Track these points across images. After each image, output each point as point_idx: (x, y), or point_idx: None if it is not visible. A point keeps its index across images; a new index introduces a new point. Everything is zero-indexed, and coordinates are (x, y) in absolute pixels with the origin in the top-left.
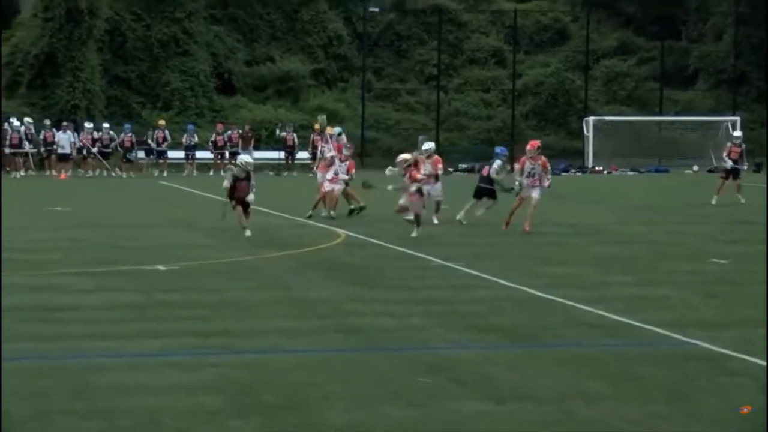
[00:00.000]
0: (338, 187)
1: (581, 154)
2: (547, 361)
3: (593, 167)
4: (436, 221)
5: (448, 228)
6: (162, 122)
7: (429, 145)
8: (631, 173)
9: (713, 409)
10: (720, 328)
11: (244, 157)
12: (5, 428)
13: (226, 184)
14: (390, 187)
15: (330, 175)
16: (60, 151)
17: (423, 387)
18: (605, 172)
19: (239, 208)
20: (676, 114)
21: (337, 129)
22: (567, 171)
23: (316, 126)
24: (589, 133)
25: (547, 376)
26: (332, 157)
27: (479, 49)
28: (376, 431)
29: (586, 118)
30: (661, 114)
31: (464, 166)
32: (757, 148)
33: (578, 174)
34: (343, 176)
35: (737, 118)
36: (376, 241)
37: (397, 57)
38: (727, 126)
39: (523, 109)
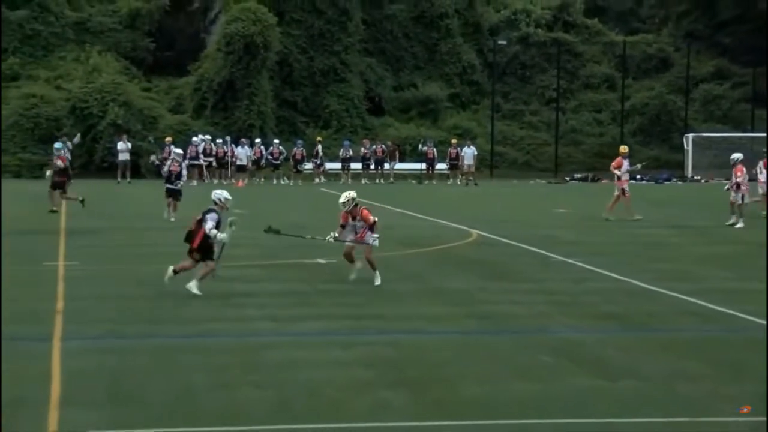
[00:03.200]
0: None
1: (681, 165)
2: (653, 345)
3: (692, 177)
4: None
5: (562, 230)
6: (319, 138)
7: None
8: (726, 182)
9: None
10: None
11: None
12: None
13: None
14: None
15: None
16: (238, 162)
17: (544, 366)
18: (703, 181)
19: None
20: (766, 131)
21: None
22: (669, 180)
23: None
24: (688, 147)
25: (653, 357)
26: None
27: (593, 75)
28: (503, 403)
29: (686, 135)
30: (752, 131)
31: (578, 176)
32: None
33: (679, 183)
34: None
35: None
36: (503, 240)
37: (522, 83)
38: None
39: (630, 127)
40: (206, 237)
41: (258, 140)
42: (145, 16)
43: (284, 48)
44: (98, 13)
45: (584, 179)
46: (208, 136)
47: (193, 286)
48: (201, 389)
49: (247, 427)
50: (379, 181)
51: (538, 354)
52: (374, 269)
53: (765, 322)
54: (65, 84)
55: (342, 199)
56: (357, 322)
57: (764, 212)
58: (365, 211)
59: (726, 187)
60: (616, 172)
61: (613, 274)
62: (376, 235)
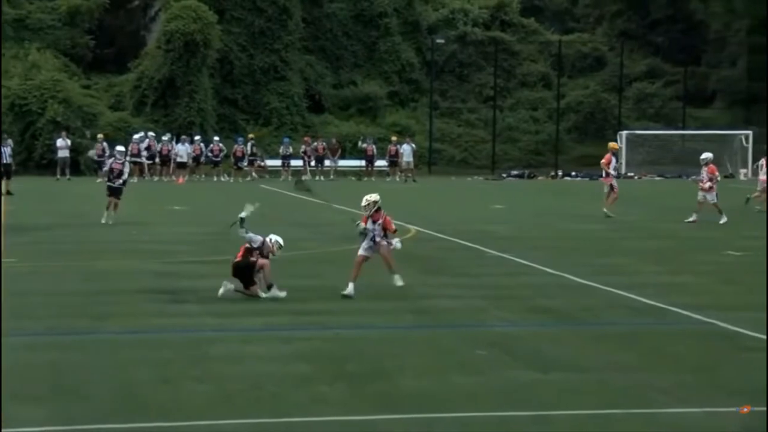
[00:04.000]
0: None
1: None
2: (587, 338)
3: (626, 173)
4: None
5: (499, 226)
6: (251, 136)
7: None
8: (658, 178)
9: (732, 380)
10: (737, 310)
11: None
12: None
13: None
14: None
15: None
16: (179, 159)
17: (481, 359)
18: (636, 177)
19: None
20: (697, 129)
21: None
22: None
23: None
24: (622, 144)
25: (587, 350)
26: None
27: (529, 73)
28: (441, 396)
29: (619, 132)
30: (684, 128)
31: (515, 172)
32: None
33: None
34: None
35: (749, 132)
36: (441, 236)
37: (460, 81)
38: (741, 139)
39: (566, 124)
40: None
41: (198, 137)
42: (84, 14)
43: (225, 46)
44: (37, 10)
45: (521, 176)
46: (151, 134)
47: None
48: (143, 384)
49: (188, 422)
50: (319, 177)
51: (475, 347)
52: (392, 271)
53: (698, 316)
54: (4, 81)
55: (363, 203)
56: (298, 318)
57: (761, 207)
58: (388, 219)
59: (701, 185)
60: (608, 170)
61: (548, 269)
62: (397, 239)
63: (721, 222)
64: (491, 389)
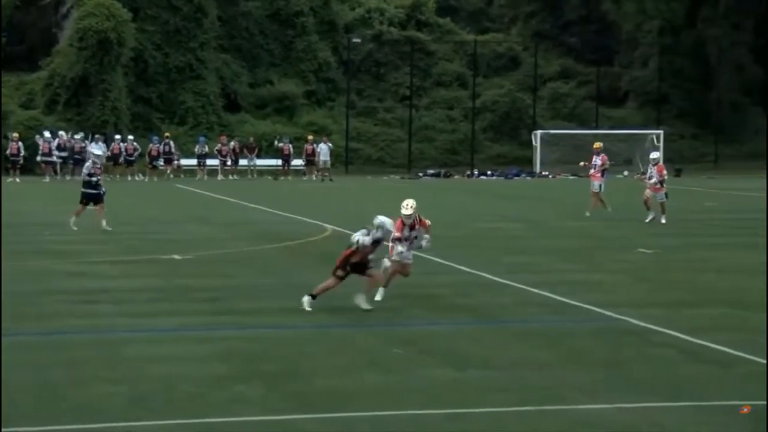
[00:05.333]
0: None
1: (530, 161)
2: (503, 335)
3: (540, 172)
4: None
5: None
6: (167, 134)
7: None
8: (572, 177)
9: (643, 374)
10: (647, 307)
11: None
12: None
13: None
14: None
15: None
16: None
17: (398, 357)
18: (550, 176)
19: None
20: (610, 128)
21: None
22: (518, 175)
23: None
24: (537, 144)
25: (503, 347)
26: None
27: (445, 73)
28: (357, 395)
29: (534, 132)
30: (597, 128)
31: (431, 171)
32: (677, 157)
33: (528, 178)
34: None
35: (660, 132)
36: None
37: (376, 80)
38: (652, 138)
39: (481, 123)
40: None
41: (118, 137)
42: None
43: (139, 44)
44: None
45: (437, 175)
46: (62, 132)
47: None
48: (58, 386)
49: (103, 424)
50: (233, 177)
51: (391, 346)
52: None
53: (610, 313)
54: None
55: (408, 211)
56: (213, 318)
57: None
58: (425, 220)
59: (650, 183)
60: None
61: (464, 268)
62: (427, 236)
63: (650, 219)
64: (408, 388)
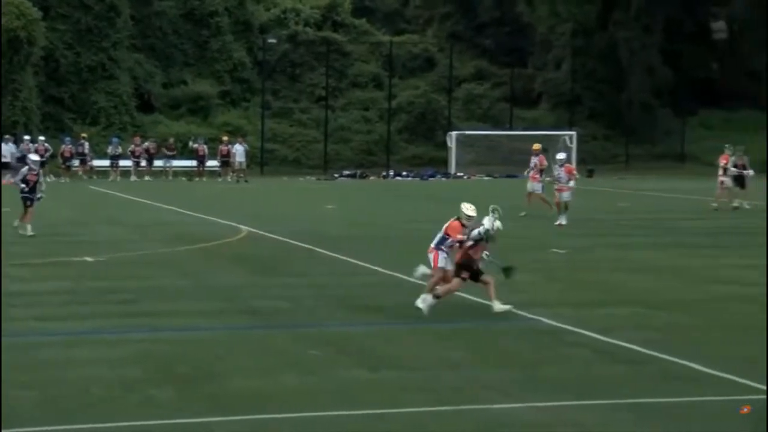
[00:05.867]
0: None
1: (445, 162)
2: (419, 336)
3: (456, 173)
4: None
5: (331, 226)
6: (84, 135)
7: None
8: (487, 178)
9: (557, 374)
10: (560, 307)
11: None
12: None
13: None
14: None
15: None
16: (3, 160)
17: (315, 359)
18: (466, 177)
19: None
20: (524, 129)
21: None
22: (434, 176)
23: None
24: (452, 145)
25: (419, 348)
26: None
27: (361, 74)
28: (274, 397)
29: (449, 133)
30: (511, 129)
31: (347, 172)
32: (590, 158)
33: (443, 179)
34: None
35: (573, 133)
36: (273, 236)
37: (292, 81)
38: (565, 139)
39: (397, 124)
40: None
41: (27, 137)
42: None
43: (50, 43)
44: None
45: (353, 176)
46: None
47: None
48: None
49: (16, 429)
50: (147, 178)
51: (308, 347)
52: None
53: (524, 313)
54: None
55: (473, 212)
56: (127, 320)
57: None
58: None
59: (557, 185)
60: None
61: (379, 268)
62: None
63: (559, 223)
64: (324, 389)
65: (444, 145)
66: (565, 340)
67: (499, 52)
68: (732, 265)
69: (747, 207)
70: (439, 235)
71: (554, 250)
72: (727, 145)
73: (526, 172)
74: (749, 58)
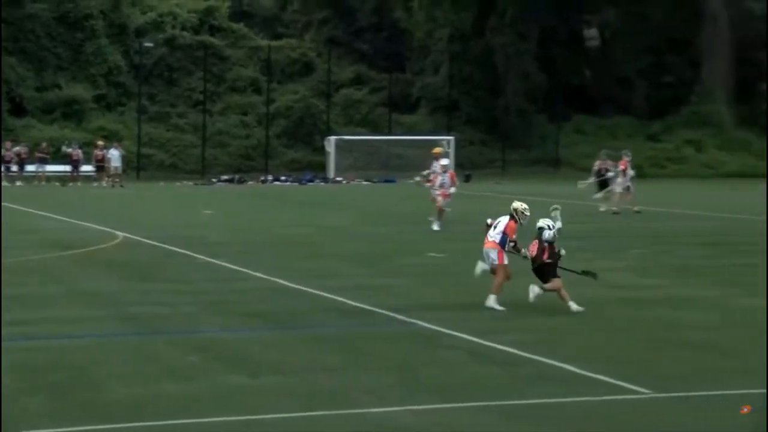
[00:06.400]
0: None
1: (324, 167)
2: (297, 341)
3: (334, 178)
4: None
5: (209, 231)
6: None
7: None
8: (366, 183)
9: (433, 377)
10: (438, 310)
11: None
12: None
13: None
14: None
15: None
16: None
17: (191, 365)
18: (344, 182)
19: None
20: (402, 134)
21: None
22: (312, 181)
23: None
24: (330, 149)
25: (296, 353)
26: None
27: (239, 78)
28: (150, 404)
29: (328, 138)
30: (390, 134)
31: (225, 177)
32: (467, 163)
33: (322, 184)
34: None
35: (451, 138)
36: (150, 242)
37: (169, 85)
38: (443, 144)
39: (276, 129)
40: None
41: None
42: None
43: None
44: None
45: (230, 180)
46: None
47: (573, 306)
48: None
49: None
50: (19, 183)
51: (185, 354)
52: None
53: (402, 317)
54: None
55: (529, 212)
56: None
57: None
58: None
59: (440, 191)
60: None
61: (258, 274)
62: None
63: (436, 228)
64: (202, 395)
65: (323, 150)
66: (442, 343)
67: (378, 57)
68: (607, 268)
69: (613, 209)
70: (497, 234)
71: (431, 254)
72: (624, 151)
73: (421, 177)
74: (620, 65)
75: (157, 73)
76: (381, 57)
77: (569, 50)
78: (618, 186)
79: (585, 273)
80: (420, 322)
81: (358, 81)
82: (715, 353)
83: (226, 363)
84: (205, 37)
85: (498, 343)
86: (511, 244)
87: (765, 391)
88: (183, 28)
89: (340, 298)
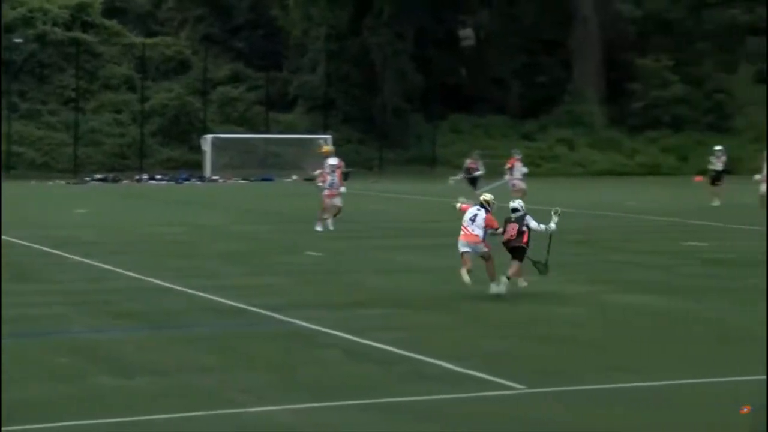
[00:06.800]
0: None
1: (200, 166)
2: (171, 341)
3: (211, 177)
4: None
5: (81, 230)
6: None
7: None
8: (243, 182)
9: (310, 376)
10: (315, 309)
11: None
12: None
13: None
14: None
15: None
16: None
17: (64, 366)
18: (221, 181)
19: None
20: (280, 133)
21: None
22: (188, 180)
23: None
24: (207, 148)
25: (171, 353)
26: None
27: (113, 76)
28: (22, 406)
29: (204, 136)
30: (267, 132)
31: (99, 176)
32: (345, 162)
33: (198, 183)
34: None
35: (329, 137)
36: (20, 242)
37: (40, 82)
38: (321, 143)
39: (151, 127)
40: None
41: None
42: None
43: None
44: None
45: (104, 179)
46: None
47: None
48: None
49: None
50: None
51: (57, 355)
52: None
53: (279, 316)
54: None
55: (493, 199)
56: None
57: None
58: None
59: (328, 191)
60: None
61: (132, 273)
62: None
63: (322, 229)
64: (75, 397)
65: (199, 149)
66: (319, 341)
67: (254, 55)
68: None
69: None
70: (479, 228)
71: (309, 252)
72: (514, 150)
73: (318, 177)
74: (495, 65)
75: (27, 70)
76: (258, 55)
77: (445, 50)
78: (511, 182)
79: (538, 263)
80: (297, 321)
81: (234, 79)
82: (587, 348)
83: (99, 364)
84: (78, 34)
85: (374, 341)
86: (499, 230)
87: (766, 390)
88: (54, 24)
89: (216, 298)
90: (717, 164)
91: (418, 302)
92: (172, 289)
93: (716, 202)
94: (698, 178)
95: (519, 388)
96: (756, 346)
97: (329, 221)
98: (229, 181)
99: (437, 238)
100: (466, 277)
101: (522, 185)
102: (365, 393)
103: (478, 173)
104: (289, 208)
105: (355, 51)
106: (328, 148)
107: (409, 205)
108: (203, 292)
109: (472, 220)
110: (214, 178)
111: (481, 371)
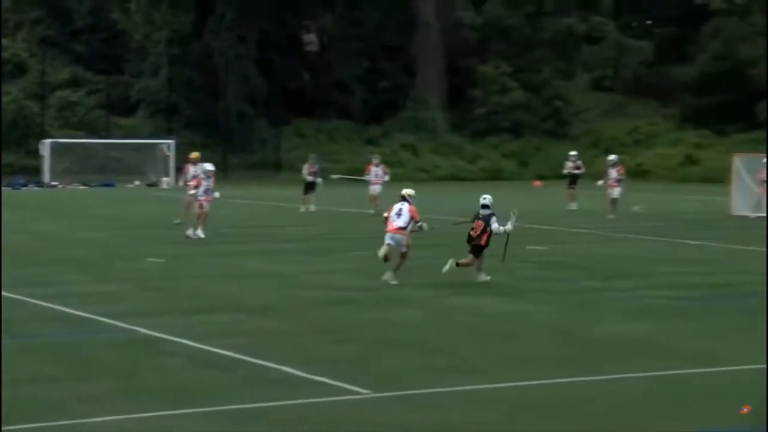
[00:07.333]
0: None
1: (38, 171)
2: (13, 351)
3: (50, 182)
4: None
5: None
6: None
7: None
8: (83, 187)
9: (153, 383)
10: (158, 316)
11: None
12: None
13: None
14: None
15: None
16: None
17: None
18: (60, 186)
19: None
20: (121, 137)
21: None
22: (26, 186)
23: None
24: (45, 153)
25: (12, 363)
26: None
27: None
28: None
29: (42, 141)
30: (108, 137)
31: None
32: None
33: (36, 188)
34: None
35: (172, 141)
36: None
37: None
38: (163, 148)
39: None
40: (491, 235)
41: None
42: None
43: None
44: None
45: None
46: None
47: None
48: None
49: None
50: None
51: None
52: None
53: (121, 324)
54: None
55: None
56: None
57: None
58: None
59: (203, 197)
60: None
61: None
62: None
63: (197, 236)
64: None
65: (37, 154)
66: (163, 349)
67: (95, 58)
68: (323, 270)
69: (312, 210)
70: (403, 220)
71: (151, 259)
72: (374, 155)
73: (189, 182)
74: (338, 69)
75: None
76: (98, 58)
77: (288, 54)
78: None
79: (504, 256)
80: (140, 329)
81: (74, 83)
82: (430, 352)
83: None
84: None
85: (218, 348)
86: (418, 225)
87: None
88: None
89: (58, 306)
90: (572, 168)
91: (262, 308)
92: (10, 298)
93: (573, 206)
94: (537, 183)
95: (364, 392)
96: (594, 348)
97: (200, 229)
98: (68, 187)
99: (281, 243)
100: (381, 252)
101: (376, 191)
102: (210, 399)
103: (318, 180)
104: (130, 214)
105: (197, 55)
106: (197, 153)
107: (254, 210)
108: (44, 300)
109: (398, 214)
110: (53, 183)
111: (325, 376)
